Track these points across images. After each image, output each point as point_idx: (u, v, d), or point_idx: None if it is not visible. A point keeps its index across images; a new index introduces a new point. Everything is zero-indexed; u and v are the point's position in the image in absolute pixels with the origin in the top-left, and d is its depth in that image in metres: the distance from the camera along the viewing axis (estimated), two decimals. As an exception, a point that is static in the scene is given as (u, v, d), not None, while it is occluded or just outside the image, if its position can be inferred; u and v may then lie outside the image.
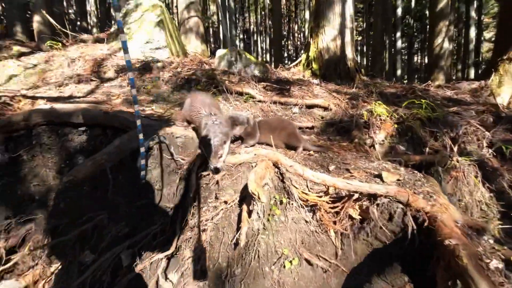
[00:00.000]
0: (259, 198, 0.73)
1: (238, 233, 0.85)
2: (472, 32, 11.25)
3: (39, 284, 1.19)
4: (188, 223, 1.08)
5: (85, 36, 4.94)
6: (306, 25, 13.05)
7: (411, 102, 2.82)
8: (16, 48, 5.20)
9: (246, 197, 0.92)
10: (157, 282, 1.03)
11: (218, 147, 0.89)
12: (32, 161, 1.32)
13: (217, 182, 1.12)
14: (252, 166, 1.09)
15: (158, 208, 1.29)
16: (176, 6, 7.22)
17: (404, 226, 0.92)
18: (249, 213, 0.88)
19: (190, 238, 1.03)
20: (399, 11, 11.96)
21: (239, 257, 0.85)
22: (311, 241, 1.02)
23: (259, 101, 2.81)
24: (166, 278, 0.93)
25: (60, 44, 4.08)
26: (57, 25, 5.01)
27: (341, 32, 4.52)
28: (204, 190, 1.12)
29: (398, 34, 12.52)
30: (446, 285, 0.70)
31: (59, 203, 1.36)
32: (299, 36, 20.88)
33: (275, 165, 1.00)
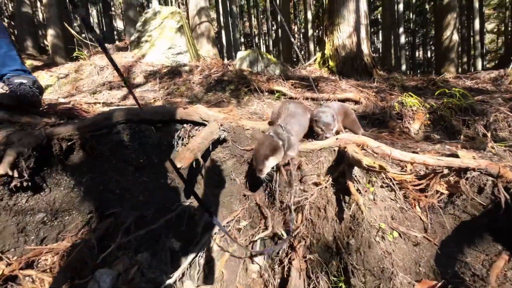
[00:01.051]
0: (380, 167, 0.80)
1: (349, 204, 0.91)
2: (477, 24, 11.30)
3: (131, 271, 1.26)
4: (275, 206, 1.15)
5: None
6: (309, 25, 13.18)
7: (441, 93, 2.88)
8: (29, 62, 5.36)
9: (344, 173, 0.98)
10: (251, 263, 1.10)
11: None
12: (112, 157, 1.40)
13: (299, 167, 1.19)
14: (334, 150, 1.16)
15: (235, 196, 1.36)
16: (187, 12, 7.38)
17: (495, 197, 0.98)
18: (349, 190, 0.95)
19: (282, 219, 1.10)
20: (400, 6, 12.07)
21: (348, 230, 0.92)
22: (400, 217, 1.08)
23: (291, 97, 2.89)
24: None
25: (85, 54, 4.22)
26: (79, 37, 5.17)
27: (356, 29, 4.61)
28: (286, 176, 1.18)
29: (401, 29, 12.61)
30: None
31: (138, 196, 1.44)
32: (299, 37, 21.07)
33: (362, 147, 1.06)
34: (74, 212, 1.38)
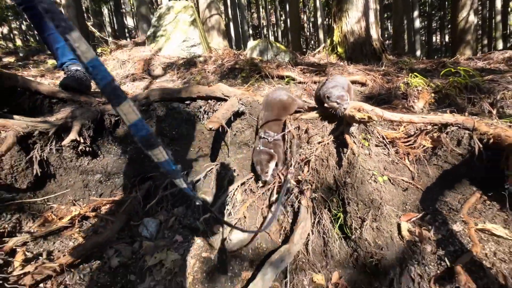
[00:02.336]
0: (369, 118, 1.04)
1: (346, 154, 1.16)
2: (498, 3, 10.78)
3: (170, 220, 1.58)
4: (289, 162, 1.41)
5: (123, 42, 5.47)
6: (318, 13, 13.03)
7: (447, 71, 2.99)
8: (51, 62, 5.81)
9: (343, 132, 1.23)
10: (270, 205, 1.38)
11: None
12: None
13: (306, 131, 1.44)
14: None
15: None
16: (196, 4, 7.63)
17: (471, 148, 1.19)
18: (346, 143, 1.19)
19: (294, 172, 1.36)
20: (415, -11, 11.66)
21: (345, 173, 1.17)
22: (391, 168, 1.31)
23: (300, 82, 3.11)
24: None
25: (107, 50, 4.60)
26: (99, 34, 5.57)
27: (365, 14, 4.69)
28: (296, 139, 1.44)
29: (416, 13, 12.22)
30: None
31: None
32: (308, 26, 20.77)
33: (358, 110, 1.30)
34: (121, 175, 1.72)
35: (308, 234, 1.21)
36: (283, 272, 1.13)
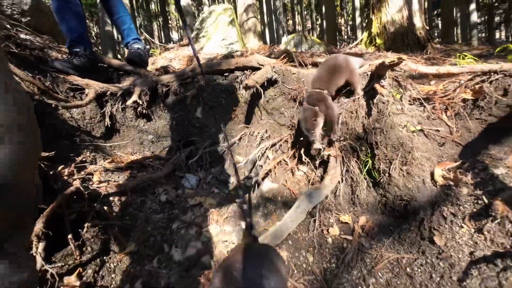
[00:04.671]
0: (399, 59, 1.08)
1: (375, 103, 1.21)
2: None
3: (208, 177, 1.77)
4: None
5: (170, 45, 6.18)
6: (357, 14, 12.69)
7: (502, 49, 2.71)
8: None
9: (374, 88, 1.27)
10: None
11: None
12: (194, 99, 1.96)
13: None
14: (366, 75, 1.44)
15: (284, 124, 1.75)
16: (235, 9, 8.17)
17: None
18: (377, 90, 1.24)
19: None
20: (471, -22, 10.65)
21: (375, 121, 1.21)
22: (426, 122, 1.30)
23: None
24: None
25: (157, 51, 5.25)
26: (151, 39, 6.37)
27: (407, 2, 4.49)
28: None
29: (473, 6, 11.09)
30: None
31: (211, 128, 1.96)
32: (346, 29, 20.25)
33: (390, 66, 1.32)
34: (169, 138, 1.99)
35: (338, 182, 1.27)
36: (312, 213, 1.21)
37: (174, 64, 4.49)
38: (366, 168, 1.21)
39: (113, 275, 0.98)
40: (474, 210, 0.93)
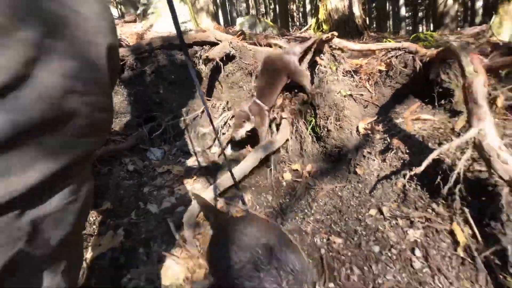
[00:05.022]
0: (332, 35, 1.35)
1: (317, 70, 1.48)
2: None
3: (172, 150, 1.87)
4: None
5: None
6: (307, 0, 13.26)
7: (415, 37, 3.37)
8: None
9: (316, 61, 1.54)
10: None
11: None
12: (153, 75, 1.97)
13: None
14: (310, 50, 1.71)
15: (243, 97, 1.94)
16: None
17: (414, 68, 1.53)
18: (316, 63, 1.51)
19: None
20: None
21: (317, 87, 1.49)
22: (354, 89, 1.65)
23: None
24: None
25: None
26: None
27: (348, -8, 4.99)
28: None
29: (402, 1, 12.63)
30: (438, 69, 1.32)
31: (172, 103, 2.03)
32: (298, 16, 20.96)
33: (327, 41, 1.61)
34: (128, 114, 1.98)
35: (288, 139, 1.53)
36: (269, 165, 1.45)
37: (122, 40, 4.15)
38: (311, 126, 1.51)
39: (94, 227, 1.05)
40: (382, 148, 1.30)
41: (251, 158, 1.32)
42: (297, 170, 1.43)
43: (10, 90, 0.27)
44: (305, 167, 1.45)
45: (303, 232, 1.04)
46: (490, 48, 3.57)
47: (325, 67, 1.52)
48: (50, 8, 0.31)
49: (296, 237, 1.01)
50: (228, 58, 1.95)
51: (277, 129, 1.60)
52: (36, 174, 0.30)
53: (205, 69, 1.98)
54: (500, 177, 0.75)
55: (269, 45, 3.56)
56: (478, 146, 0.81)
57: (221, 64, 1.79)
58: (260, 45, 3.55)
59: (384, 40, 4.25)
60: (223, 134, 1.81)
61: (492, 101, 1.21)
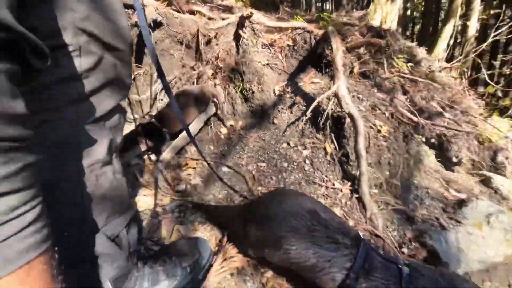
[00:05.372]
0: (251, 12, 1.68)
1: (241, 42, 1.81)
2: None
3: None
4: (202, 61, 1.96)
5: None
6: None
7: (318, 16, 4.11)
8: None
9: (239, 34, 1.86)
10: None
11: None
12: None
13: (215, 37, 2.00)
14: (235, 23, 2.00)
15: (174, 64, 2.08)
16: None
17: (311, 44, 2.08)
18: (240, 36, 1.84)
19: (209, 67, 1.93)
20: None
21: (242, 57, 1.84)
22: (271, 60, 2.09)
23: (210, 18, 3.51)
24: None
25: None
26: None
27: (265, -35, 5.25)
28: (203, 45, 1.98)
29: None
30: (324, 46, 1.91)
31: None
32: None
33: (248, 18, 1.94)
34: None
35: (223, 102, 1.86)
36: (209, 124, 1.77)
37: None
38: (239, 90, 1.88)
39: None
40: (290, 103, 1.82)
41: (198, 120, 1.60)
42: (232, 125, 1.81)
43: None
44: (238, 123, 1.85)
45: (240, 164, 1.46)
46: (366, 30, 4.65)
47: (247, 39, 1.87)
48: None
49: (236, 168, 1.43)
50: (156, 24, 1.99)
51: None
52: (112, 102, 0.55)
53: (132, 36, 1.97)
54: (345, 112, 1.35)
55: (192, 12, 3.57)
56: (337, 95, 1.39)
57: (150, 30, 1.85)
58: (183, 12, 3.52)
59: (296, 16, 4.90)
60: (161, 100, 1.95)
61: (351, 69, 1.89)
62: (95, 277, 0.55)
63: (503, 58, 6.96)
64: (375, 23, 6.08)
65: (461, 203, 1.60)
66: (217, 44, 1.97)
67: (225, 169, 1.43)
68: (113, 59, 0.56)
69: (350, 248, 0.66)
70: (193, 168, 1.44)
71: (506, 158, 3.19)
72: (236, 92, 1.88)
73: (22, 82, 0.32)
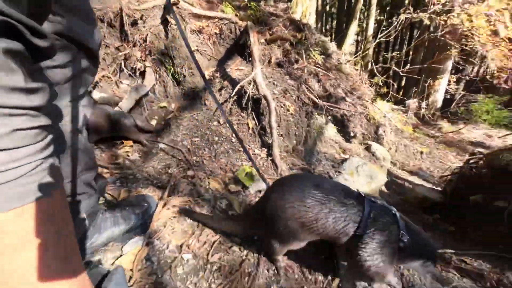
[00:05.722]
0: (177, 0, 1.81)
1: (169, 27, 1.93)
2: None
3: None
4: (129, 42, 1.99)
5: None
6: None
7: (246, 5, 4.39)
8: None
9: (166, 14, 1.96)
10: None
11: None
12: None
13: (141, 18, 2.04)
14: (162, 6, 2.08)
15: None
16: None
17: (236, 34, 2.37)
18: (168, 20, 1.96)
19: (137, 49, 1.98)
20: None
21: (171, 41, 1.97)
22: (200, 46, 2.28)
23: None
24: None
25: None
26: None
27: None
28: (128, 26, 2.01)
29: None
30: (246, 37, 2.24)
31: None
32: None
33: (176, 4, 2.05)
34: None
35: (154, 84, 1.97)
36: (142, 104, 1.86)
37: None
38: (171, 73, 2.02)
39: None
40: (219, 87, 2.10)
41: (126, 101, 1.68)
42: (165, 107, 1.96)
43: None
44: (171, 105, 2.01)
45: (176, 140, 1.68)
46: (288, 23, 5.19)
47: (175, 25, 2.00)
48: None
49: (172, 143, 1.64)
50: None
51: (143, 77, 1.97)
52: (84, 87, 0.71)
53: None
54: (261, 95, 1.73)
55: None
56: (255, 81, 1.75)
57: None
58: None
59: (225, 1, 5.03)
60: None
61: (269, 60, 2.29)
62: (74, 208, 0.73)
63: (385, 55, 8.96)
64: (297, 16, 6.80)
65: (344, 161, 2.28)
66: (144, 27, 2.01)
67: (161, 145, 1.62)
68: (85, 56, 0.71)
69: (357, 206, 0.79)
70: (130, 146, 1.56)
71: (384, 132, 4.39)
72: (168, 75, 2.02)
73: (34, 60, 0.41)
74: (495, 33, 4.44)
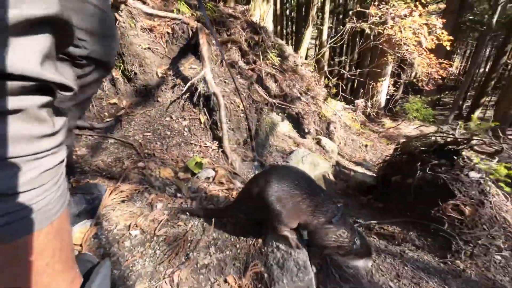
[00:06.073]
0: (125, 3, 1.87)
1: (117, 25, 1.97)
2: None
3: None
4: None
5: None
6: None
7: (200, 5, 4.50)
8: None
9: (113, 11, 1.99)
10: None
11: None
12: None
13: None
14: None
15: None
16: None
17: (189, 34, 2.49)
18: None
19: None
20: None
21: (120, 39, 2.01)
22: (152, 44, 2.35)
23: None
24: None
25: None
26: None
27: None
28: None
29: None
30: (198, 37, 2.38)
31: None
32: None
33: (124, 3, 2.10)
34: None
35: (103, 82, 1.98)
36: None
37: None
38: (121, 70, 2.06)
39: None
40: (172, 85, 2.19)
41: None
42: (115, 103, 1.99)
43: None
44: (122, 102, 2.04)
45: (127, 136, 1.74)
46: (246, 25, 5.43)
47: (124, 22, 2.04)
48: None
49: (123, 139, 1.69)
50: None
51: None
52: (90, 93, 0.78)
53: None
54: (211, 92, 1.90)
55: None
56: (204, 79, 1.91)
57: None
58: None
59: (180, 1, 5.06)
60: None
61: (221, 60, 2.47)
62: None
63: (340, 59, 9.89)
64: (255, 19, 7.11)
65: (291, 152, 2.56)
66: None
67: (111, 140, 1.67)
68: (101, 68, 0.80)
69: (328, 200, 0.97)
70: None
71: (335, 128, 4.89)
72: (118, 72, 2.05)
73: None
74: (419, 43, 5.32)
